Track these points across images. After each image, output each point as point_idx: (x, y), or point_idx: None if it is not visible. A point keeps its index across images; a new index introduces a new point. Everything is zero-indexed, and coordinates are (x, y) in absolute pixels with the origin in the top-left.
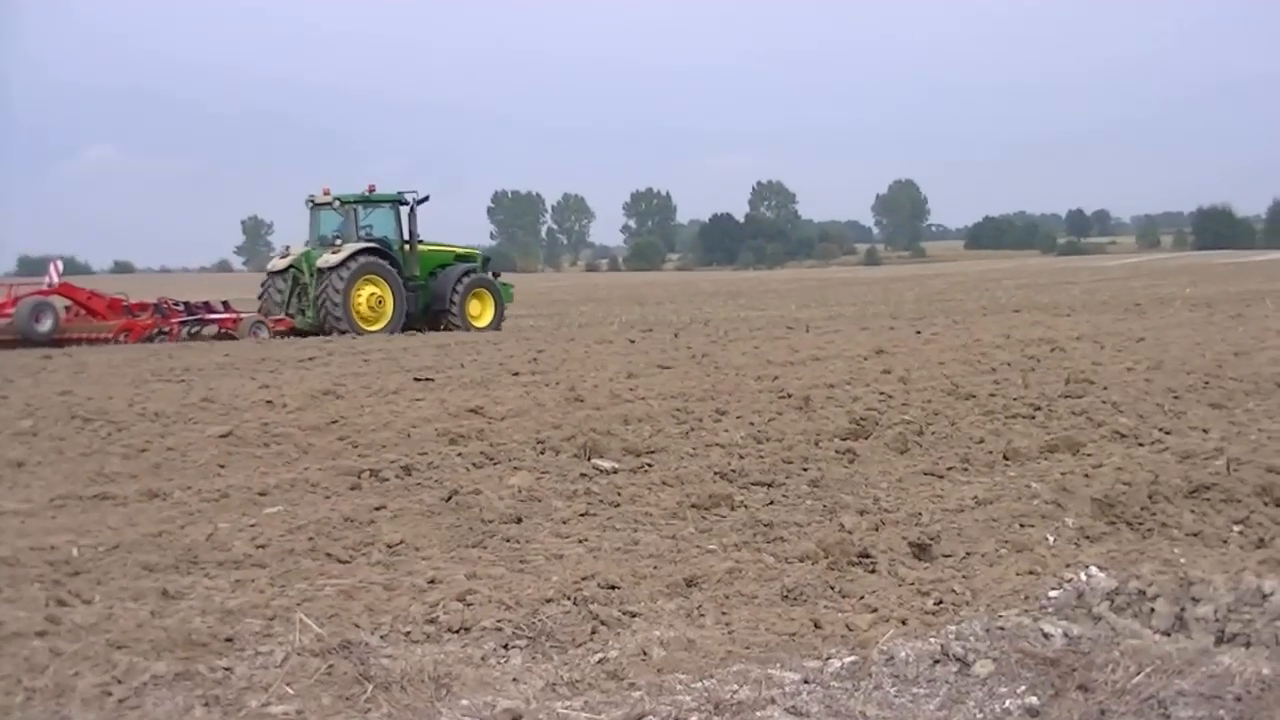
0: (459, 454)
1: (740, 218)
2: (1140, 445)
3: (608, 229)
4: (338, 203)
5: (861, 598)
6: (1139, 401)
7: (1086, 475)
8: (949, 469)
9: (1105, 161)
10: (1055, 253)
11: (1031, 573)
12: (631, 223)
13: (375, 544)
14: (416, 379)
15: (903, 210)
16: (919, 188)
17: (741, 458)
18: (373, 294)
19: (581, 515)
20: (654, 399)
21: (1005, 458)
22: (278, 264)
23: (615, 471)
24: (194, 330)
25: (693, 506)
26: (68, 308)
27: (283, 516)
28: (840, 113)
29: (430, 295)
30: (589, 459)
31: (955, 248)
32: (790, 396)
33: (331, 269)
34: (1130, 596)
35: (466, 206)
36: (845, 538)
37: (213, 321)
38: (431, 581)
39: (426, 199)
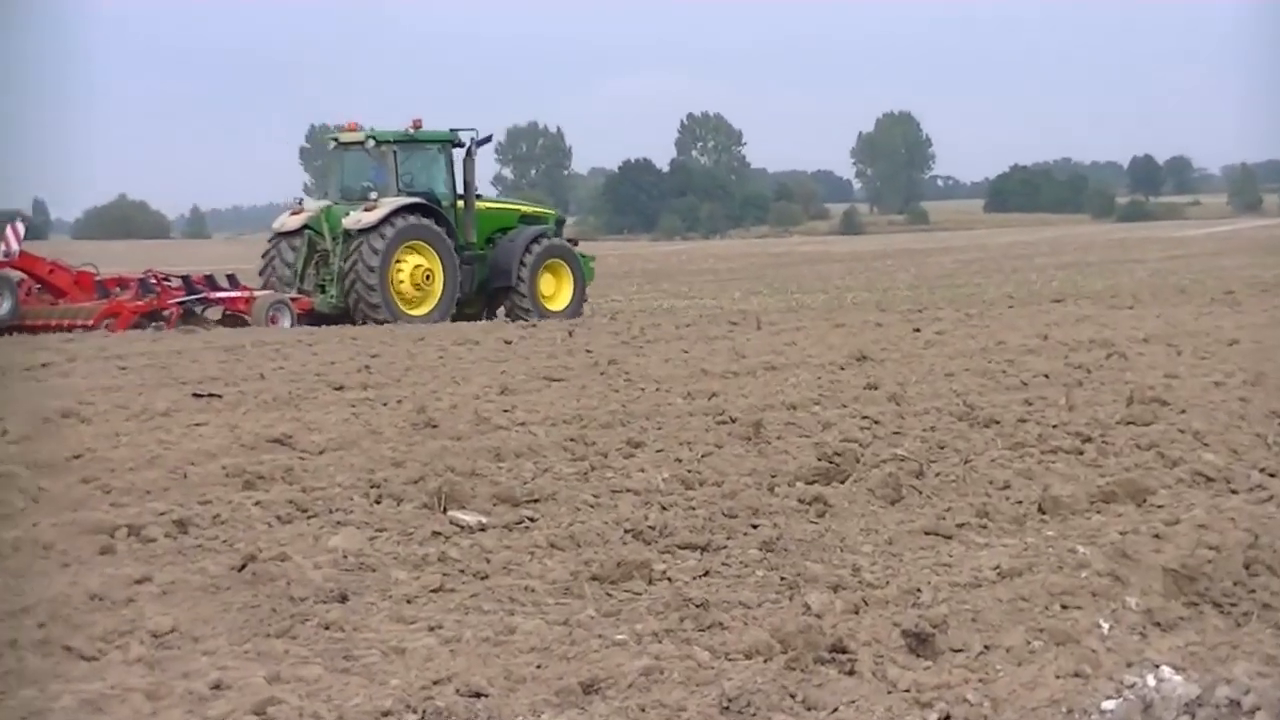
0: (257, 503)
1: (663, 166)
2: (1233, 493)
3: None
4: (372, 142)
5: (834, 710)
6: (1231, 431)
7: (1156, 536)
8: (960, 526)
9: (1186, 90)
10: (1113, 217)
11: (1077, 675)
12: (507, 172)
13: (136, 632)
14: (196, 395)
15: (896, 156)
16: (919, 125)
17: (664, 509)
18: (418, 267)
19: (433, 591)
20: (538, 425)
21: (1041, 510)
22: (288, 223)
23: (483, 528)
24: (201, 311)
25: (594, 579)
26: (20, 282)
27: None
28: (807, 20)
29: (489, 269)
30: (444, 510)
31: (970, 210)
32: (734, 422)
33: (364, 232)
34: (1219, 710)
35: (269, 146)
36: (812, 624)
37: (218, 302)
38: (216, 687)
39: (489, 139)
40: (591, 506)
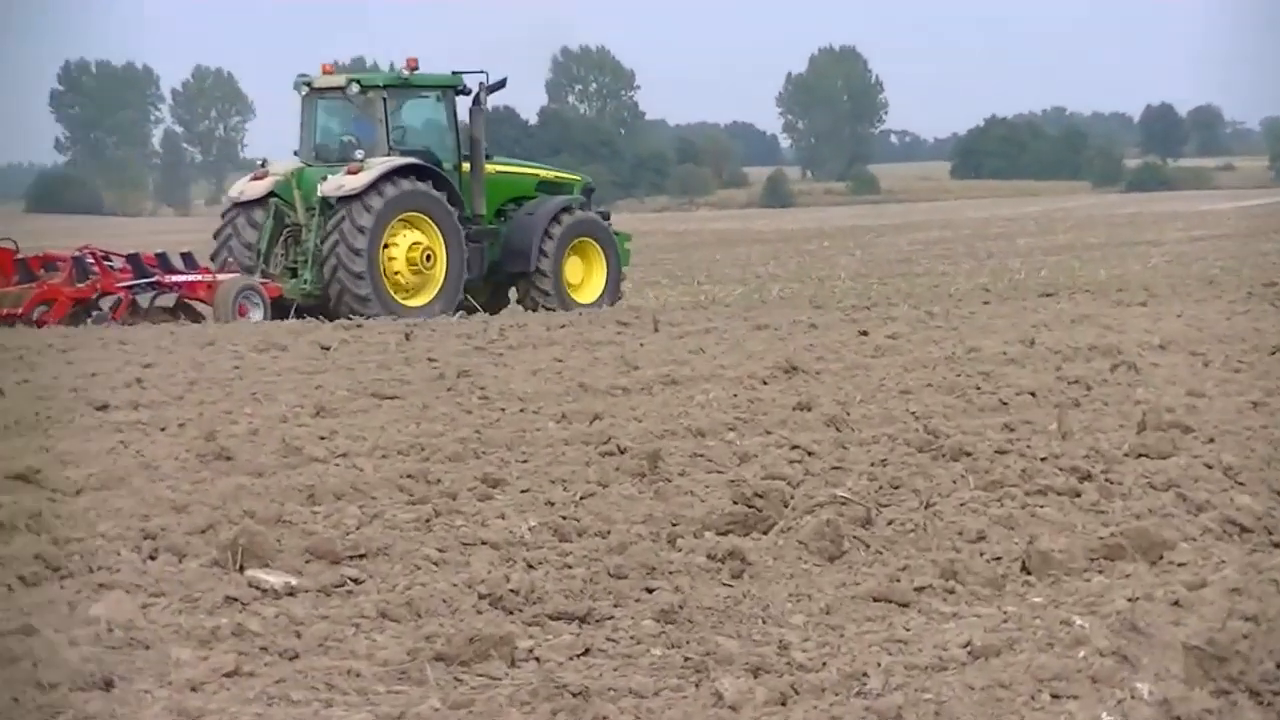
0: None
1: (529, 116)
2: (1276, 547)
3: (277, 130)
4: (355, 87)
5: None
6: (1274, 467)
7: (1176, 604)
8: (919, 590)
9: (1214, 19)
10: (1120, 186)
11: None
12: None
13: None
14: None
15: (836, 105)
16: (865, 64)
17: (531, 568)
18: (416, 245)
19: (227, 675)
20: (365, 456)
21: (1026, 570)
22: (249, 190)
23: (291, 592)
24: (151, 300)
25: (438, 658)
26: None
27: None
28: None
29: (502, 248)
30: (241, 569)
31: (933, 175)
32: (623, 453)
33: (347, 201)
34: None
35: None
36: (725, 719)
37: (173, 287)
38: None
39: (502, 84)
40: (435, 564)
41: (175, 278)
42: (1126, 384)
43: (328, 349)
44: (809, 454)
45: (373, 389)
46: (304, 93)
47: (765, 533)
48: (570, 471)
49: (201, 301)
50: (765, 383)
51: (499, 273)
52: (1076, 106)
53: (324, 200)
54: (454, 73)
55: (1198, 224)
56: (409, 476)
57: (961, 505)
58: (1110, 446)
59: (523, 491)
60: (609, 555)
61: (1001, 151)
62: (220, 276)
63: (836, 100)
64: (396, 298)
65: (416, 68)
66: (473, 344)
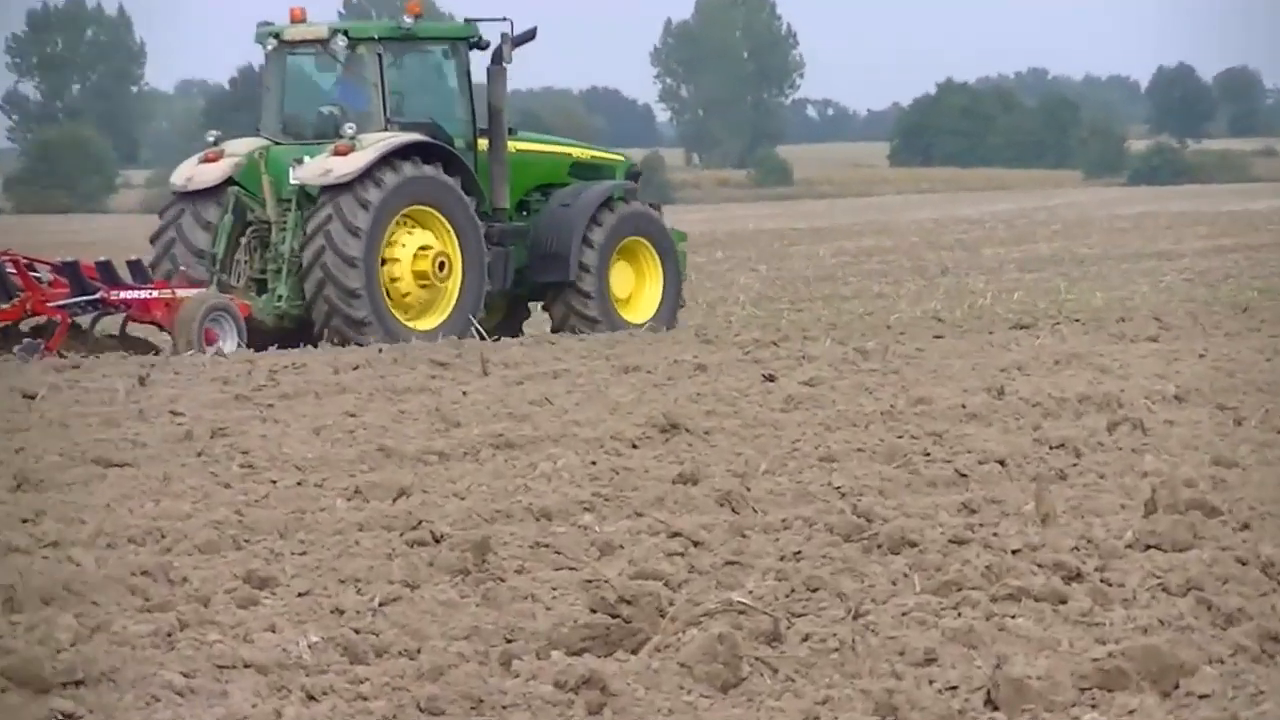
0: None
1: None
2: None
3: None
4: (342, 40)
5: None
6: None
7: None
8: None
9: None
10: (1122, 176)
11: None
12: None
13: None
14: None
15: (732, 65)
16: (774, 9)
17: (312, 699)
18: (424, 250)
19: None
20: (84, 545)
21: (992, 704)
22: (199, 176)
23: None
24: (92, 322)
25: None
26: None
27: None
28: None
29: (530, 251)
30: None
31: (866, 159)
32: (439, 542)
33: (335, 191)
34: None
35: None
36: None
37: (120, 306)
38: None
39: (531, 35)
40: (180, 695)
41: (123, 293)
42: (1130, 449)
43: (32, 398)
44: (694, 544)
45: (95, 453)
46: (269, 47)
47: (634, 652)
48: (366, 567)
49: (156, 325)
50: (635, 446)
51: (522, 283)
52: (1063, 68)
53: (302, 191)
54: (467, 20)
55: (1226, 229)
56: (144, 574)
57: (903, 615)
58: (1107, 535)
59: (300, 595)
60: (419, 683)
61: (960, 129)
62: (182, 292)
63: (734, 58)
64: (401, 318)
65: (420, 14)
66: (232, 391)
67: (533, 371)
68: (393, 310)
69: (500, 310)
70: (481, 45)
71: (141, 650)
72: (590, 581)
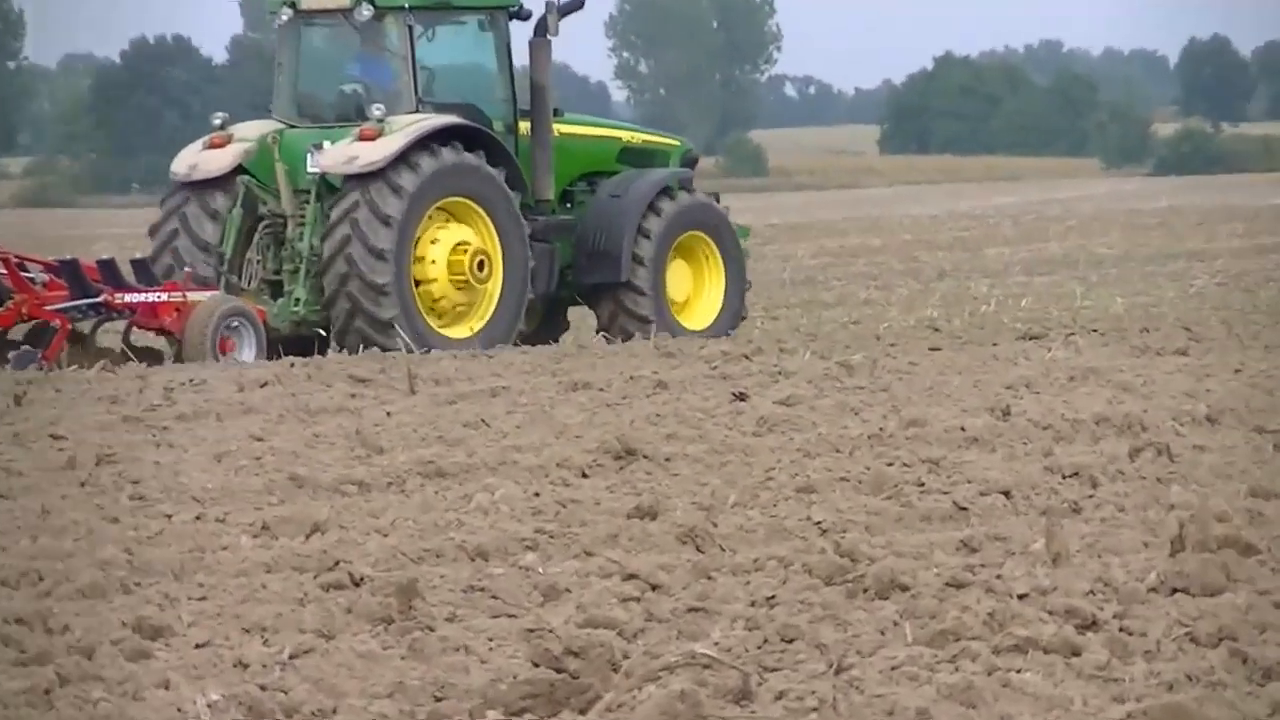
0: None
1: (213, 52)
2: None
3: None
4: (368, 9)
5: None
6: None
7: None
8: None
9: None
10: (1147, 166)
11: None
12: None
13: None
14: None
15: (699, 37)
16: None
17: None
18: (462, 246)
19: None
20: None
21: None
22: (205, 164)
23: None
24: (92, 328)
25: None
26: None
27: None
28: None
29: (579, 248)
30: None
31: (853, 144)
32: (359, 585)
33: (366, 179)
34: None
35: None
36: None
37: (125, 311)
38: None
39: (579, 4)
40: None
41: (129, 296)
42: (1154, 478)
43: None
44: (652, 588)
45: None
46: (284, 18)
47: (582, 712)
48: (274, 614)
49: (165, 332)
50: (585, 475)
51: (574, 285)
52: (1079, 41)
53: (322, 180)
54: None
55: (1268, 226)
56: (19, 622)
57: (893, 669)
58: (1128, 577)
59: (198, 646)
60: None
61: (961, 111)
62: (194, 295)
63: (701, 28)
64: (434, 325)
65: None
66: (121, 412)
67: (467, 389)
68: (425, 316)
69: (535, 316)
70: (523, 15)
71: (15, 709)
72: (532, 631)
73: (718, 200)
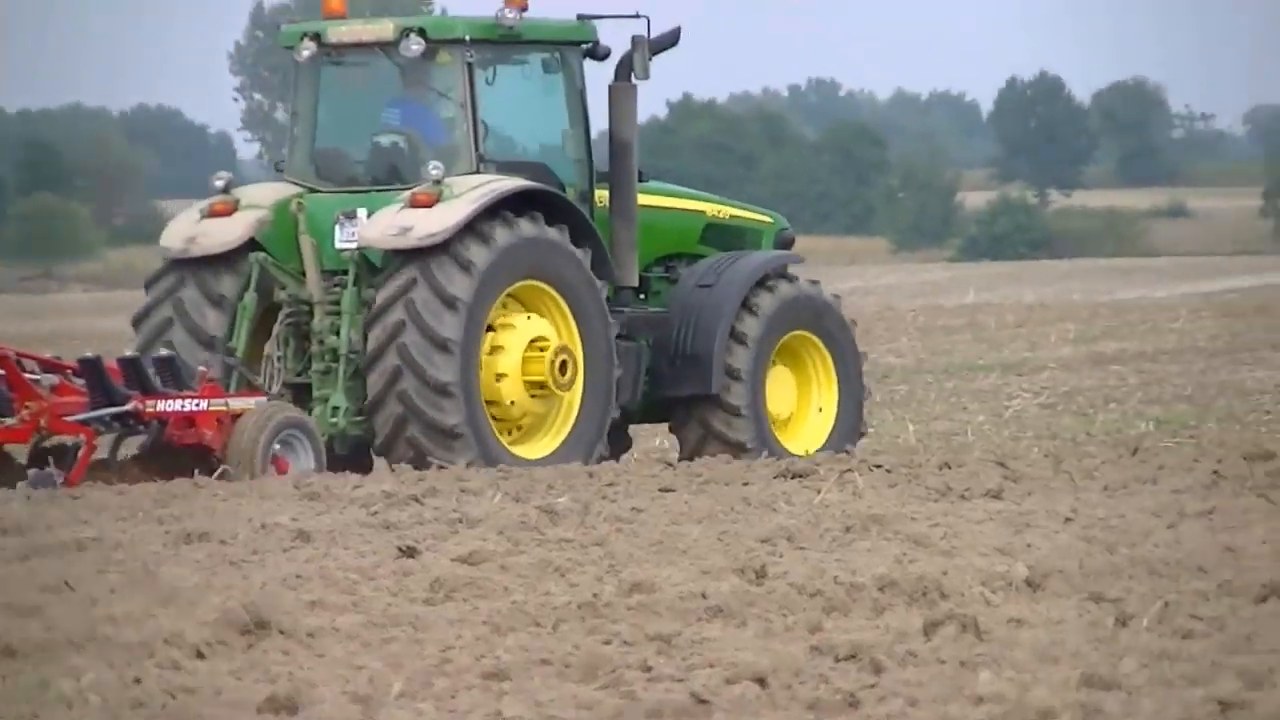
0: None
1: None
2: None
3: None
4: (416, 42)
5: None
6: None
7: None
8: None
9: None
10: (954, 246)
11: None
12: None
13: None
14: None
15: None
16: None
17: None
18: (540, 343)
19: None
20: None
21: None
22: (211, 235)
23: None
24: (117, 440)
25: None
26: None
27: None
28: None
29: (658, 350)
30: None
31: None
32: None
33: (418, 257)
34: None
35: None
36: None
37: (156, 420)
38: None
39: (674, 40)
40: None
41: (162, 404)
42: (957, 661)
43: None
44: None
45: None
46: (305, 54)
47: None
48: None
49: (205, 448)
50: (201, 655)
51: (659, 392)
52: (861, 81)
53: (362, 258)
54: (580, 18)
55: (1109, 328)
56: None
57: None
58: None
59: None
60: None
61: (704, 171)
62: (238, 402)
63: None
64: (503, 439)
65: (526, 7)
66: None
67: (45, 540)
68: (493, 426)
69: (617, 423)
70: (599, 54)
71: None
72: None
73: (824, 290)
